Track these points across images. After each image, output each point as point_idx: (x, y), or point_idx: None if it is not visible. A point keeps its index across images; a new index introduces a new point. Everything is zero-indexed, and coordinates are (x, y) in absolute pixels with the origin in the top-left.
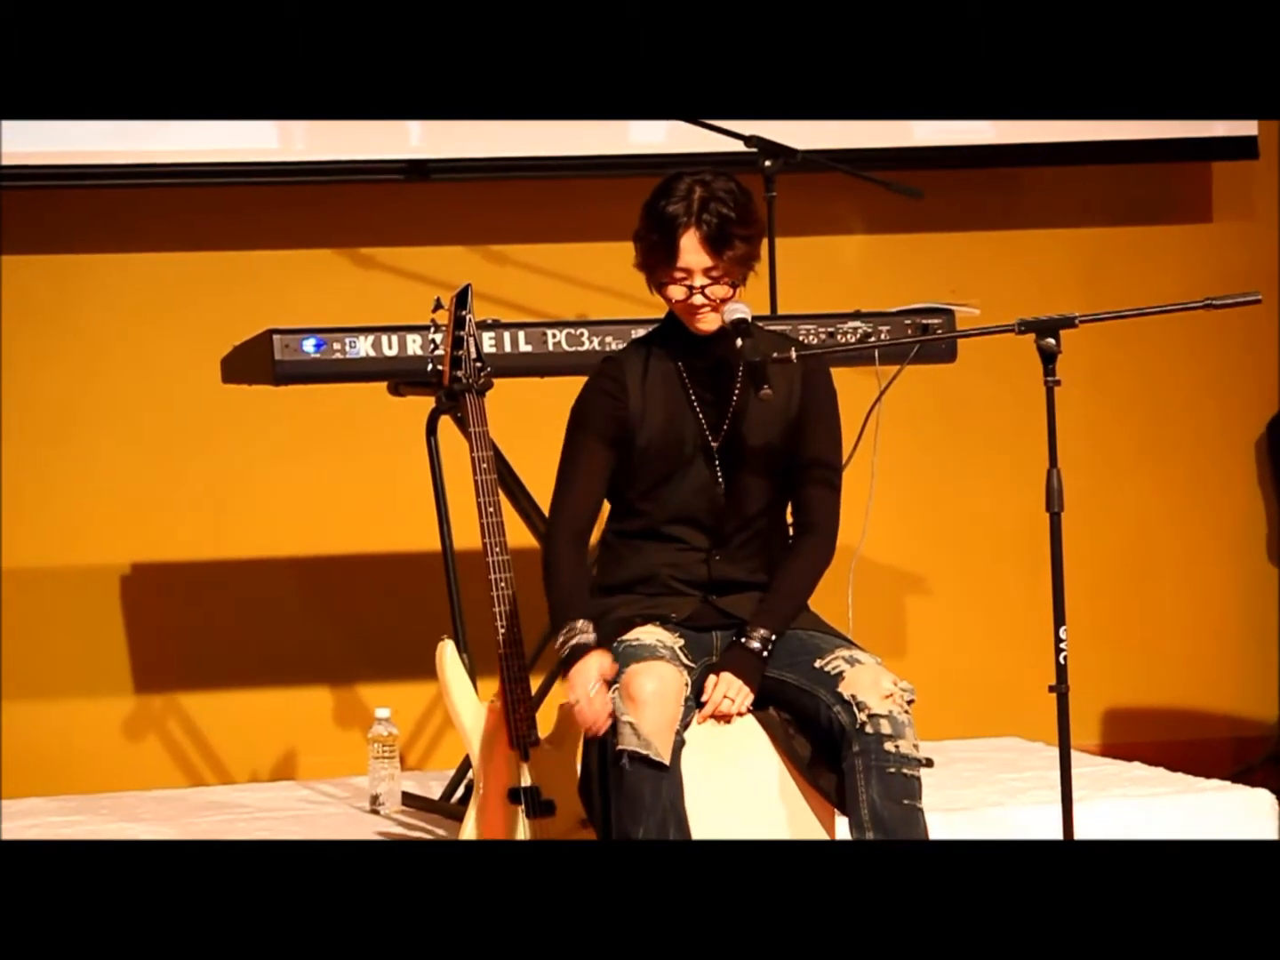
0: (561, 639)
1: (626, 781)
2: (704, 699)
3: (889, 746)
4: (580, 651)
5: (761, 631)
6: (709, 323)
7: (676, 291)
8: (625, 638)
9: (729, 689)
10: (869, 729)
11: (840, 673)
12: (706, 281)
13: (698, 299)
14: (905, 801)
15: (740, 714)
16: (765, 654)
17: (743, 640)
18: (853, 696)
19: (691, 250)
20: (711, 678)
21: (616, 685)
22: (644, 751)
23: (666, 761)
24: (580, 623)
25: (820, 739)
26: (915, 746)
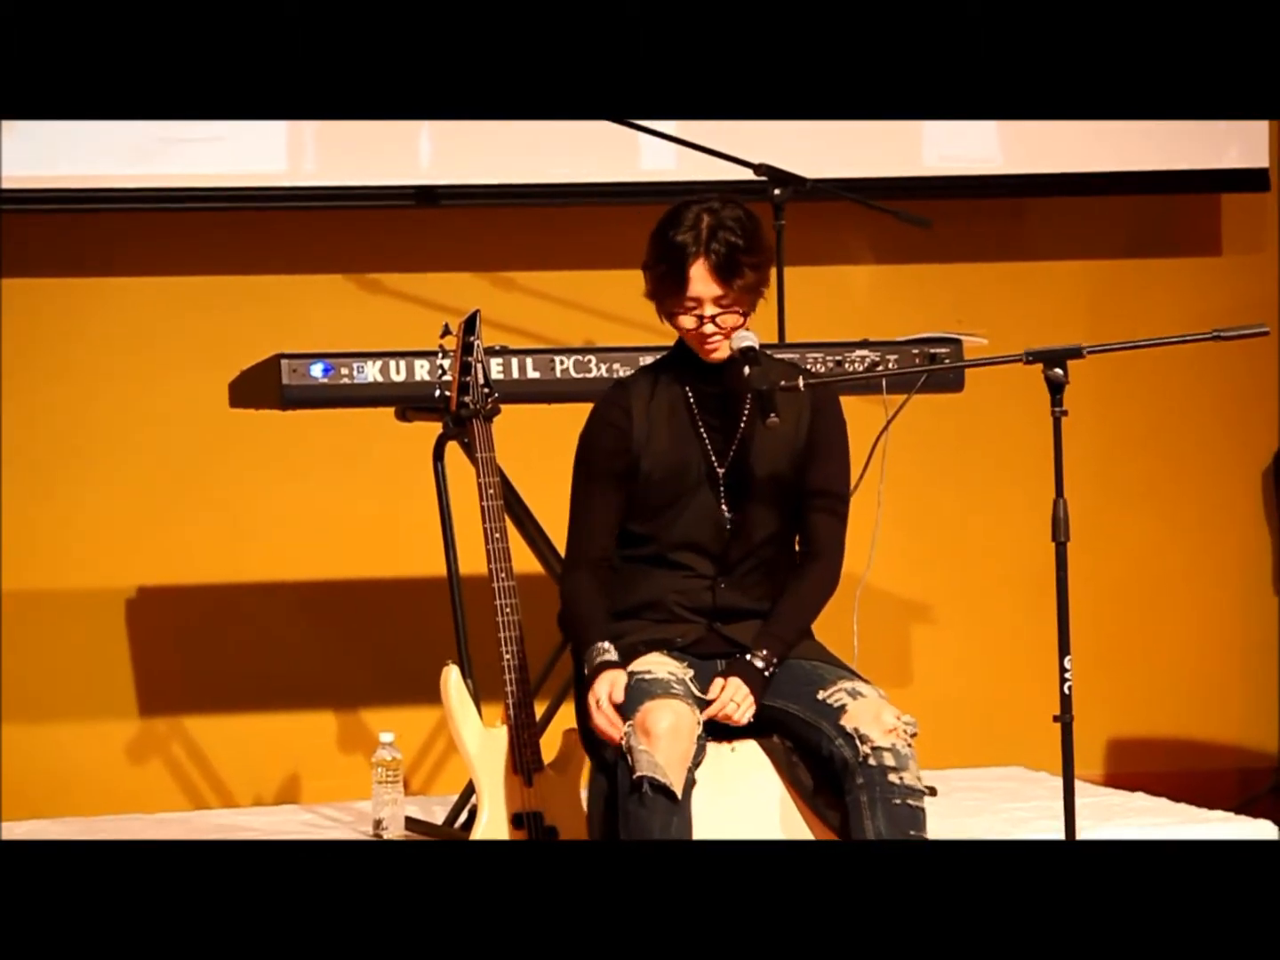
0: (588, 658)
1: (635, 815)
2: (710, 697)
3: (893, 778)
4: (605, 668)
5: (764, 653)
6: (720, 351)
7: (687, 321)
8: (636, 668)
9: (736, 694)
10: (872, 761)
11: (843, 705)
12: (717, 310)
13: (708, 328)
14: (911, 832)
15: (739, 723)
16: (767, 674)
17: (747, 657)
18: (855, 729)
19: (701, 280)
20: (719, 681)
21: (631, 721)
22: (661, 780)
23: (679, 795)
24: (603, 644)
25: (822, 771)
26: (919, 779)
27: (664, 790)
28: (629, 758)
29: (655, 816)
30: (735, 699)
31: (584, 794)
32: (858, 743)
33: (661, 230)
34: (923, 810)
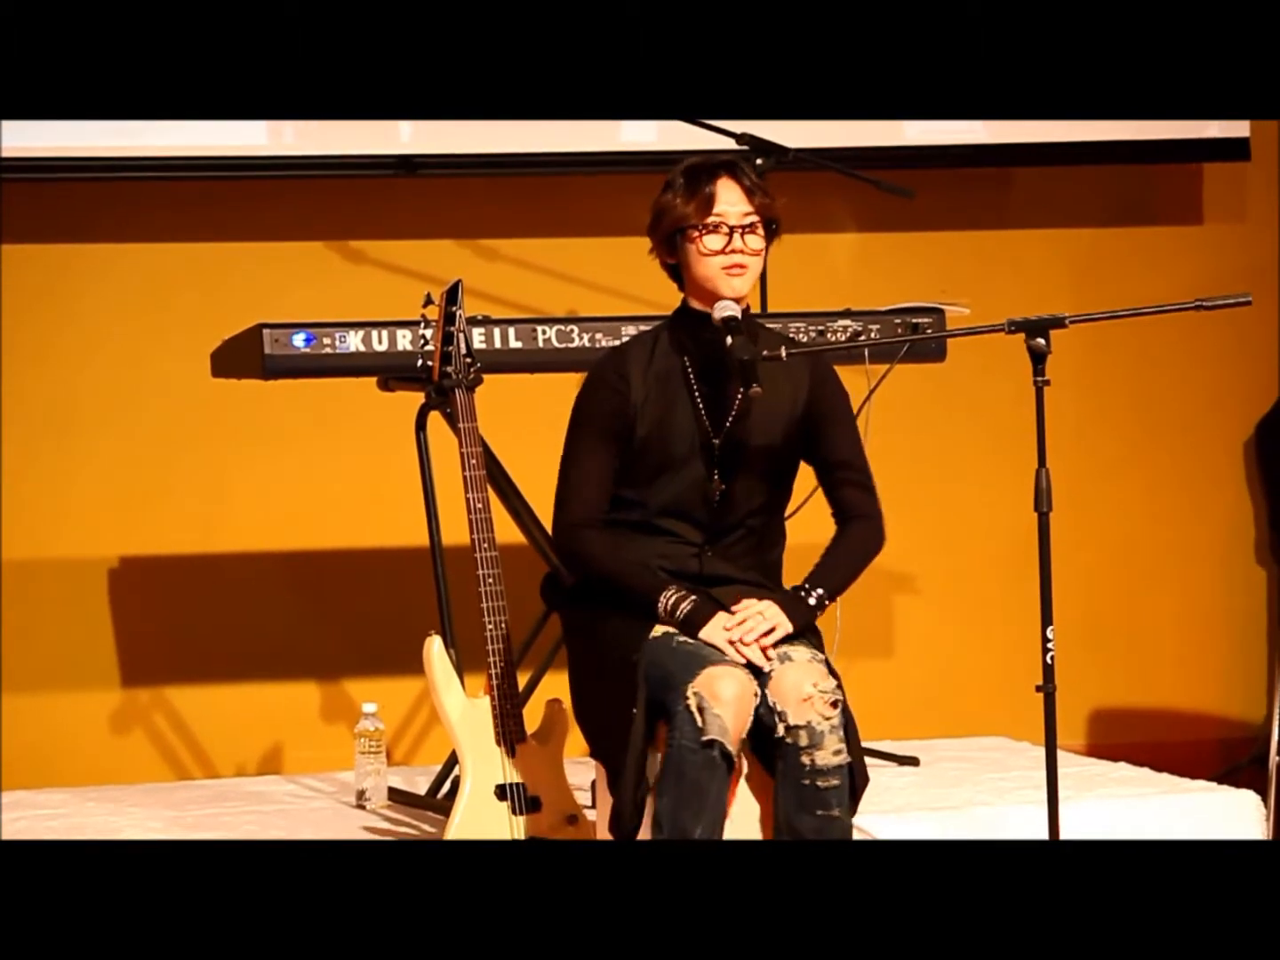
0: (672, 602)
1: (695, 778)
2: (736, 621)
3: (804, 759)
4: (706, 607)
5: (819, 591)
6: (744, 281)
7: (713, 241)
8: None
9: (766, 610)
10: (788, 739)
11: (770, 670)
12: (742, 224)
13: (736, 243)
14: (819, 812)
15: (764, 646)
16: (819, 610)
17: (800, 593)
18: (775, 704)
19: (726, 192)
20: (752, 601)
21: (695, 684)
22: (729, 748)
23: (735, 764)
24: (676, 584)
25: (763, 732)
26: (837, 752)
27: (728, 757)
28: (699, 717)
29: (714, 781)
30: (764, 613)
31: (566, 765)
32: (775, 718)
33: (676, 173)
34: (835, 789)
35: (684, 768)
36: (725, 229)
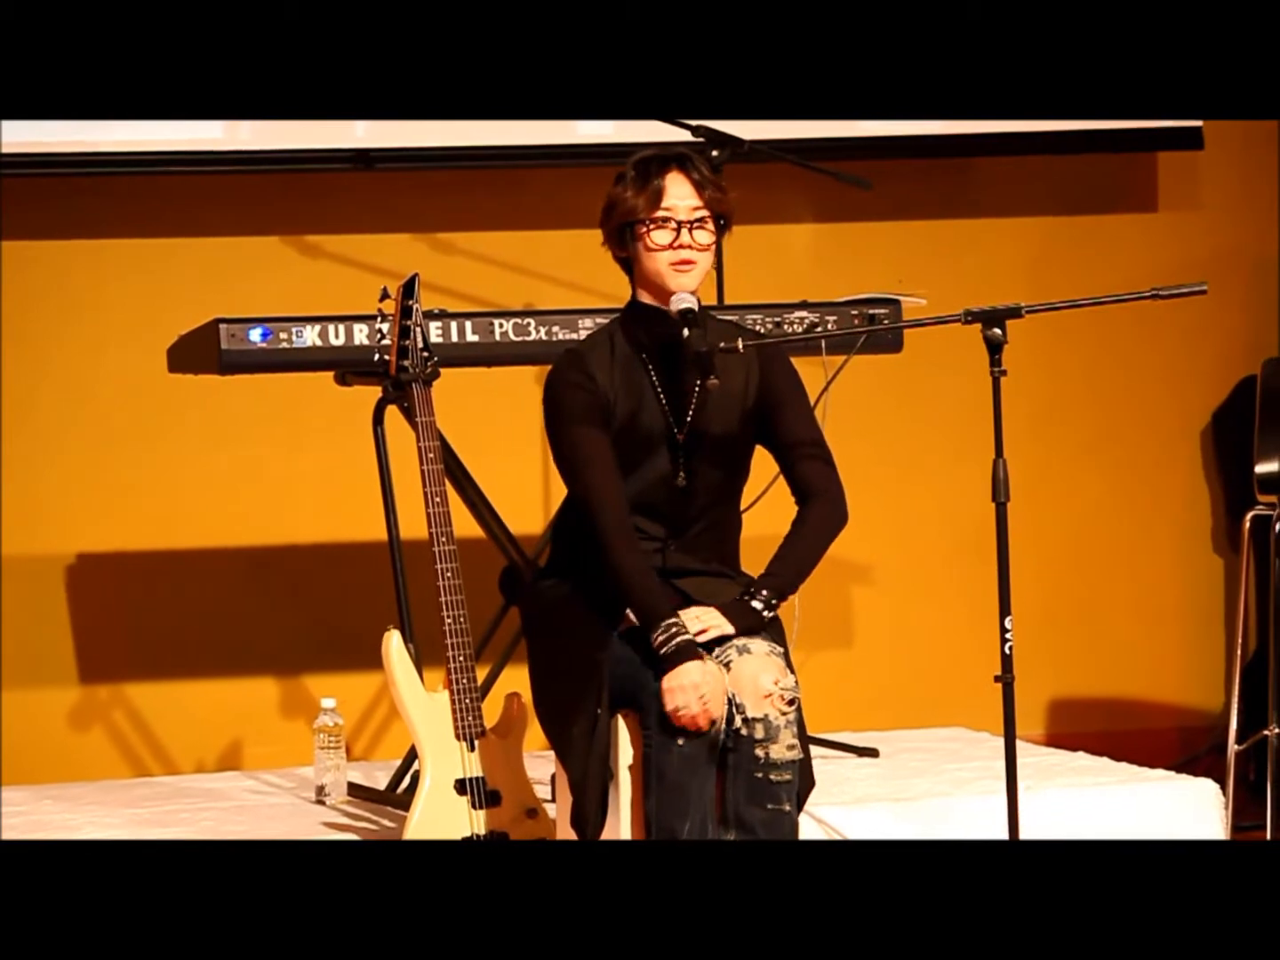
0: (661, 638)
1: (670, 774)
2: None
3: (759, 751)
4: (687, 650)
5: (764, 593)
6: (691, 277)
7: (661, 237)
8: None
9: (703, 615)
10: (744, 731)
11: (728, 663)
12: (691, 219)
13: (684, 238)
14: (770, 806)
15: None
16: (766, 614)
17: (746, 598)
18: (733, 696)
19: (675, 186)
20: (693, 609)
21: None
22: (707, 741)
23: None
24: (676, 620)
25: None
26: (791, 747)
27: (709, 750)
28: (673, 714)
29: (695, 779)
30: (700, 618)
31: (526, 759)
32: (733, 709)
33: (629, 166)
34: (786, 784)
35: (663, 769)
36: (674, 224)
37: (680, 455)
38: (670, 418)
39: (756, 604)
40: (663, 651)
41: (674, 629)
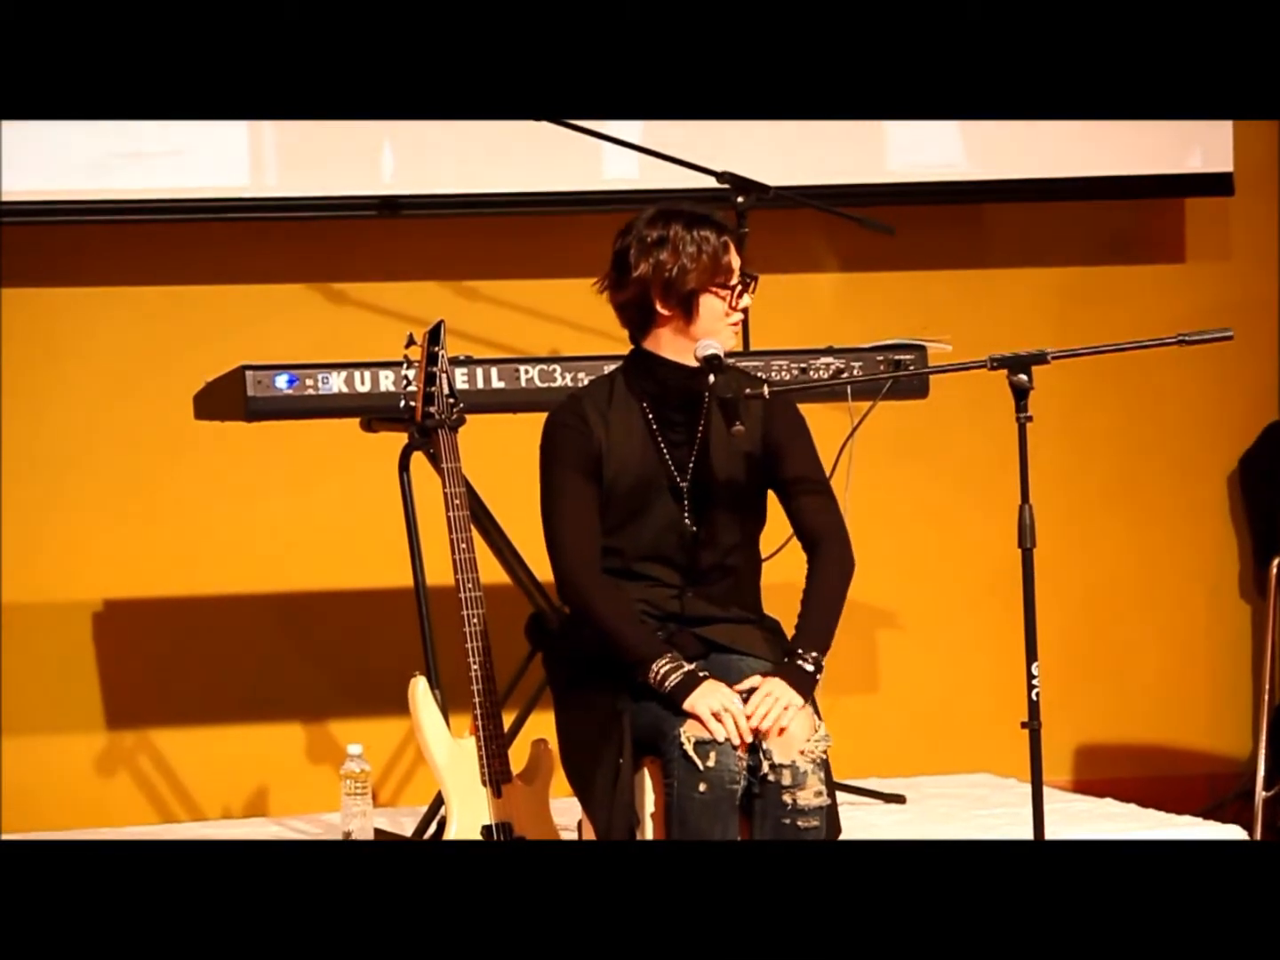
0: (662, 672)
1: (692, 820)
2: (750, 708)
3: (786, 798)
4: (694, 678)
5: (813, 654)
6: (737, 336)
7: (723, 302)
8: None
9: (781, 692)
10: (771, 777)
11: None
12: (742, 288)
13: (744, 302)
14: None
15: (783, 729)
16: (818, 675)
17: (795, 660)
18: (760, 742)
19: (731, 253)
20: (758, 679)
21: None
22: (729, 788)
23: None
24: (671, 654)
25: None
26: (818, 794)
27: (729, 798)
28: (695, 761)
29: (718, 824)
30: (777, 696)
31: (552, 804)
32: (760, 755)
33: (673, 228)
34: (815, 829)
35: (685, 816)
36: (736, 289)
37: (686, 501)
38: (671, 465)
39: (807, 665)
40: (671, 681)
41: (676, 660)
